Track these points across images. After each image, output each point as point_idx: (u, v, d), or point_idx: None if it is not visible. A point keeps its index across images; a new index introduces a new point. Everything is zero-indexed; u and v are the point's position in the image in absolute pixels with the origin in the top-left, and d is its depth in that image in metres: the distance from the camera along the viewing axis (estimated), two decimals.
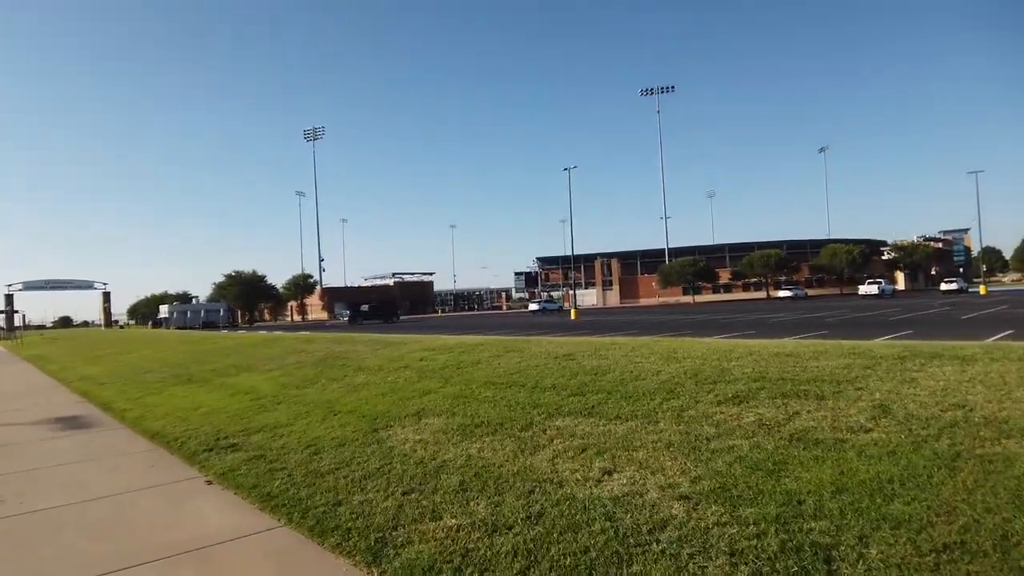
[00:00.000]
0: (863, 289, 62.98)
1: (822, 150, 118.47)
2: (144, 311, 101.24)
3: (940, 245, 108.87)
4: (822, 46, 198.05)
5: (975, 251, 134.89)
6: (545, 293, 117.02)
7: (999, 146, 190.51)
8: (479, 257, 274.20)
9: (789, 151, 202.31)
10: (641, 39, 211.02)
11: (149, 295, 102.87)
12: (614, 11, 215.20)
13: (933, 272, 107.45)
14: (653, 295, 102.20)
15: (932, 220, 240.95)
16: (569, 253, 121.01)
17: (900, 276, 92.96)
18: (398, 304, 75.26)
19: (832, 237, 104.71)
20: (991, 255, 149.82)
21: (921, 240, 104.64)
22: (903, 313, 29.08)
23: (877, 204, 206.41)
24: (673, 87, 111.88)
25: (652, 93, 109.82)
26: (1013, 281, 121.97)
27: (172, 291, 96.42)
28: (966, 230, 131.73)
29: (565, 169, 59.82)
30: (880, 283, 63.32)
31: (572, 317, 47.27)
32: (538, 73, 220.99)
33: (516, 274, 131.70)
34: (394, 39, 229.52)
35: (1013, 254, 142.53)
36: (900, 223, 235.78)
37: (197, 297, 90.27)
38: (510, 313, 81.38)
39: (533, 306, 72.53)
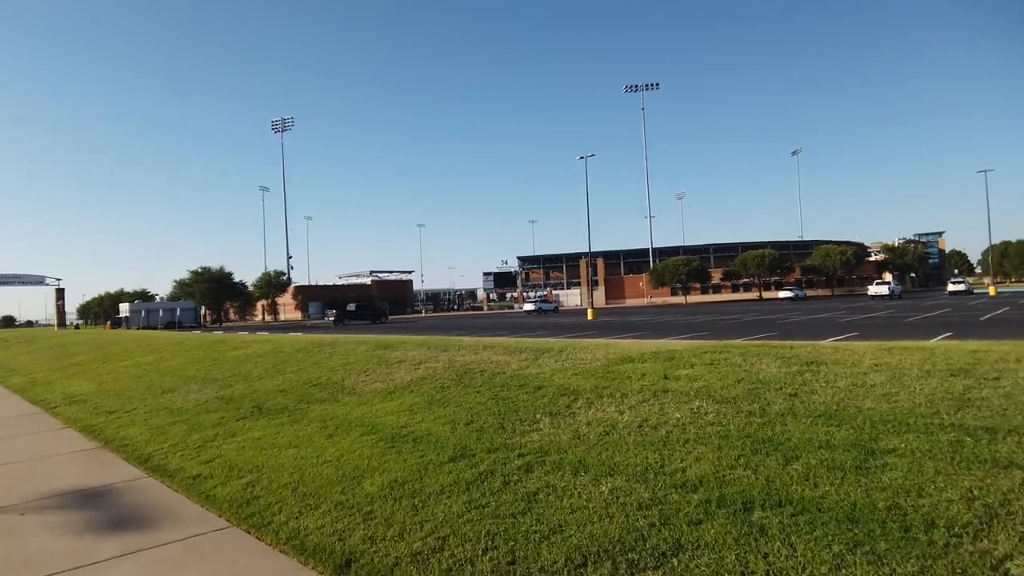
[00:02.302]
0: (872, 290, 61.30)
1: (795, 153, 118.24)
2: (97, 310, 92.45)
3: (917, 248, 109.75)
4: (795, 52, 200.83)
5: (950, 251, 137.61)
6: (529, 293, 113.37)
7: (968, 153, 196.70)
8: (443, 257, 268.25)
9: (755, 154, 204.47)
10: (619, 38, 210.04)
11: (103, 293, 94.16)
12: (594, 10, 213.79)
13: (912, 275, 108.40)
14: (640, 295, 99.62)
15: (897, 224, 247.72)
16: (549, 252, 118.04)
17: (888, 277, 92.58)
18: (383, 304, 70.00)
19: (807, 239, 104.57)
20: (958, 258, 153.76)
21: (903, 242, 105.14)
22: (980, 313, 26.76)
23: (847, 207, 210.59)
24: (658, 84, 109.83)
25: (636, 89, 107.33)
26: (994, 283, 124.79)
27: (128, 289, 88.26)
28: (940, 233, 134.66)
29: (580, 158, 55.71)
30: (889, 284, 61.79)
31: (589, 317, 43.55)
32: (512, 72, 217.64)
33: (485, 274, 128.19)
34: (364, 34, 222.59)
35: (982, 257, 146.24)
36: (865, 227, 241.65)
37: (157, 295, 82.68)
38: (501, 313, 76.90)
39: (528, 306, 68.42)
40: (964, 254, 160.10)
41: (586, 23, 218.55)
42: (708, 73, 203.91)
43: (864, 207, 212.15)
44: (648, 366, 7.90)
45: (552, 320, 45.69)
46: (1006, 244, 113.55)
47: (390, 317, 65.25)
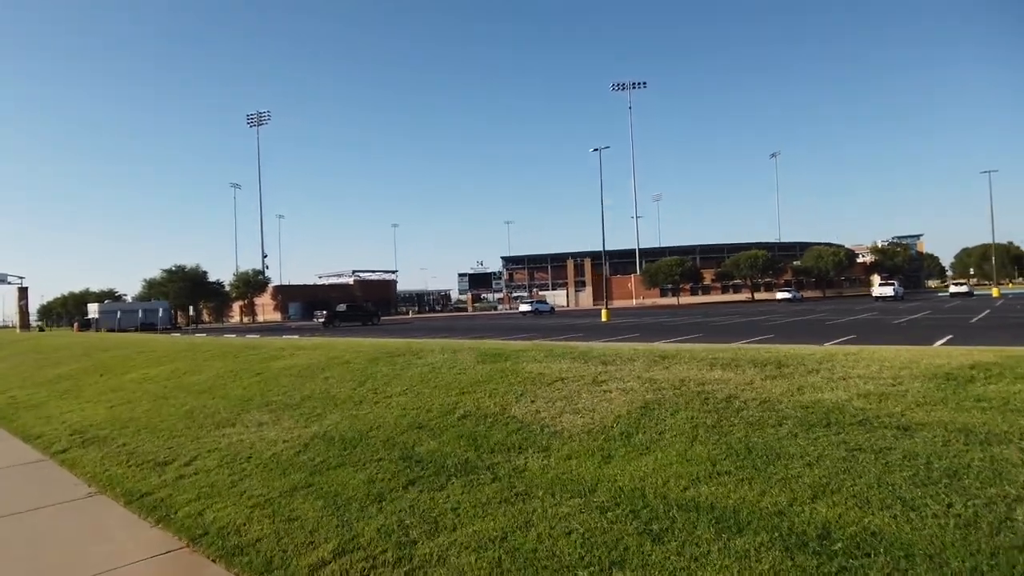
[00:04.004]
0: (876, 291, 60.33)
1: (773, 155, 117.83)
2: (60, 311, 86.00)
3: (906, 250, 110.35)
4: (773, 58, 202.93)
5: (968, 254, 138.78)
6: (512, 294, 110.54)
7: (939, 159, 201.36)
8: (414, 257, 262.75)
9: (729, 156, 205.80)
10: (600, 38, 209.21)
11: (67, 293, 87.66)
12: (576, 10, 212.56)
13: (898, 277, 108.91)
14: (628, 296, 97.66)
15: (864, 227, 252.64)
16: (532, 253, 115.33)
17: (877, 280, 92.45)
18: (374, 305, 66.27)
19: (784, 240, 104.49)
20: (931, 261, 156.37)
21: (890, 244, 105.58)
22: None
23: (820, 209, 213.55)
24: (645, 83, 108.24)
25: (624, 88, 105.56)
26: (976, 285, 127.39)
27: (94, 288, 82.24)
28: (918, 236, 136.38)
29: (594, 149, 52.89)
30: (894, 285, 60.80)
31: (604, 318, 40.97)
32: (486, 69, 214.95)
33: (460, 275, 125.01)
34: (341, 31, 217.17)
35: (954, 260, 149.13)
36: (837, 229, 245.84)
37: (125, 295, 77.14)
38: (491, 315, 73.73)
39: (524, 307, 65.60)
40: (936, 257, 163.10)
41: (568, 22, 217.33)
42: (682, 76, 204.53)
43: (836, 210, 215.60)
44: (1011, 388, 5.16)
45: (564, 321, 42.91)
46: (985, 247, 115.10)
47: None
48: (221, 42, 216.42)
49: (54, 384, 12.69)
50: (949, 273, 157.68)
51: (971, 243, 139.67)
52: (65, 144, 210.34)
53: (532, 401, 6.73)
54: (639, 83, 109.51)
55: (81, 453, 6.69)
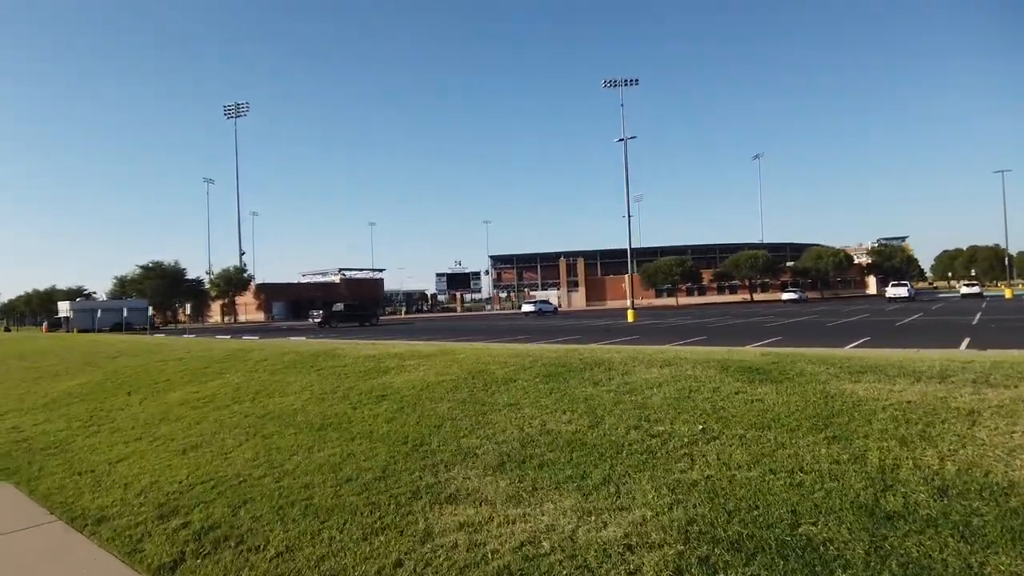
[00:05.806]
0: (890, 292, 59.01)
1: (756, 157, 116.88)
2: (23, 310, 79.81)
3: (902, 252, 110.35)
4: (756, 62, 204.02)
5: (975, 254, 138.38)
6: (502, 293, 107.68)
7: (917, 162, 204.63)
8: (387, 256, 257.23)
9: (707, 157, 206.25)
10: (585, 37, 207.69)
11: (31, 291, 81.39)
12: (563, 9, 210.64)
13: (882, 277, 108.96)
14: (622, 297, 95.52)
15: (839, 229, 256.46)
16: (521, 252, 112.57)
17: (872, 280, 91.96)
18: (372, 305, 62.66)
19: (767, 241, 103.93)
20: (910, 264, 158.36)
21: (876, 245, 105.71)
22: None
23: (800, 211, 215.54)
24: (637, 80, 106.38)
25: (615, 85, 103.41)
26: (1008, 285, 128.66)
27: (61, 286, 76.54)
28: (904, 238, 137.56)
29: (620, 140, 50.17)
30: (907, 285, 59.68)
31: (630, 319, 38.35)
32: (467, 67, 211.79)
33: (438, 275, 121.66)
34: (315, 27, 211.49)
35: (934, 263, 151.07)
36: (818, 231, 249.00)
37: (96, 294, 71.80)
38: (486, 315, 70.66)
39: (527, 307, 63.23)
40: (916, 259, 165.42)
41: (553, 19, 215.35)
42: (662, 76, 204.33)
43: (818, 211, 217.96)
44: None
45: (581, 323, 39.90)
46: (973, 249, 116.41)
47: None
48: (202, 37, 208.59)
49: (67, 407, 9.19)
50: (929, 275, 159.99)
51: (948, 246, 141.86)
52: (24, 137, 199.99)
53: (1003, 453, 3.79)
54: (631, 80, 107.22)
55: None
